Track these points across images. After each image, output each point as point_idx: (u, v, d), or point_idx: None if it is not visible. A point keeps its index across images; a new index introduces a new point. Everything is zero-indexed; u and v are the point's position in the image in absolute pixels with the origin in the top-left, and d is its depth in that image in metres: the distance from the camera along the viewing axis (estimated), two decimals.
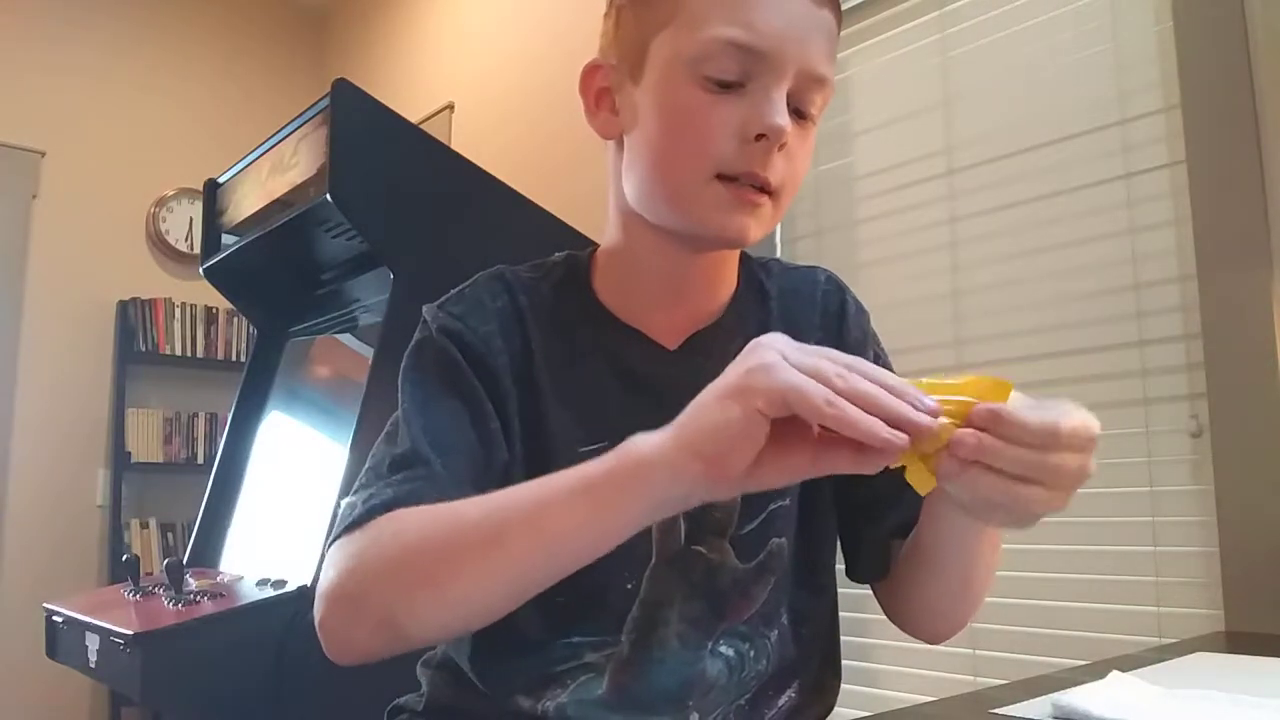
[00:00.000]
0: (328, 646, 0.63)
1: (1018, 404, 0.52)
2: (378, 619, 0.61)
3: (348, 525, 0.65)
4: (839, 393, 0.49)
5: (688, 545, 0.74)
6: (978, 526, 0.68)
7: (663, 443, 0.54)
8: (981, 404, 0.52)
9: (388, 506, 0.64)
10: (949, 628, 0.80)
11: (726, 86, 0.69)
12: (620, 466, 0.55)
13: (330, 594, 0.63)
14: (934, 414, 0.51)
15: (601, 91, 0.77)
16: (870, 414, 0.49)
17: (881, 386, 0.51)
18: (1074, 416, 0.52)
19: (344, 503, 0.67)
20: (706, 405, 0.53)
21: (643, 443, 0.55)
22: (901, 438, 0.50)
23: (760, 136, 0.68)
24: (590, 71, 0.78)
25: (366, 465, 0.70)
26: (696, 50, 0.69)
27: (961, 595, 0.76)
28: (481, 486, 0.65)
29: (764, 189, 0.70)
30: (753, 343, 0.54)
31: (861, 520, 0.81)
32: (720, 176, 0.70)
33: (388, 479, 0.67)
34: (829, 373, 0.50)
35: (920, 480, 0.54)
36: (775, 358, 0.51)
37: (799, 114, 0.71)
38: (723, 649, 0.75)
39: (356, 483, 0.68)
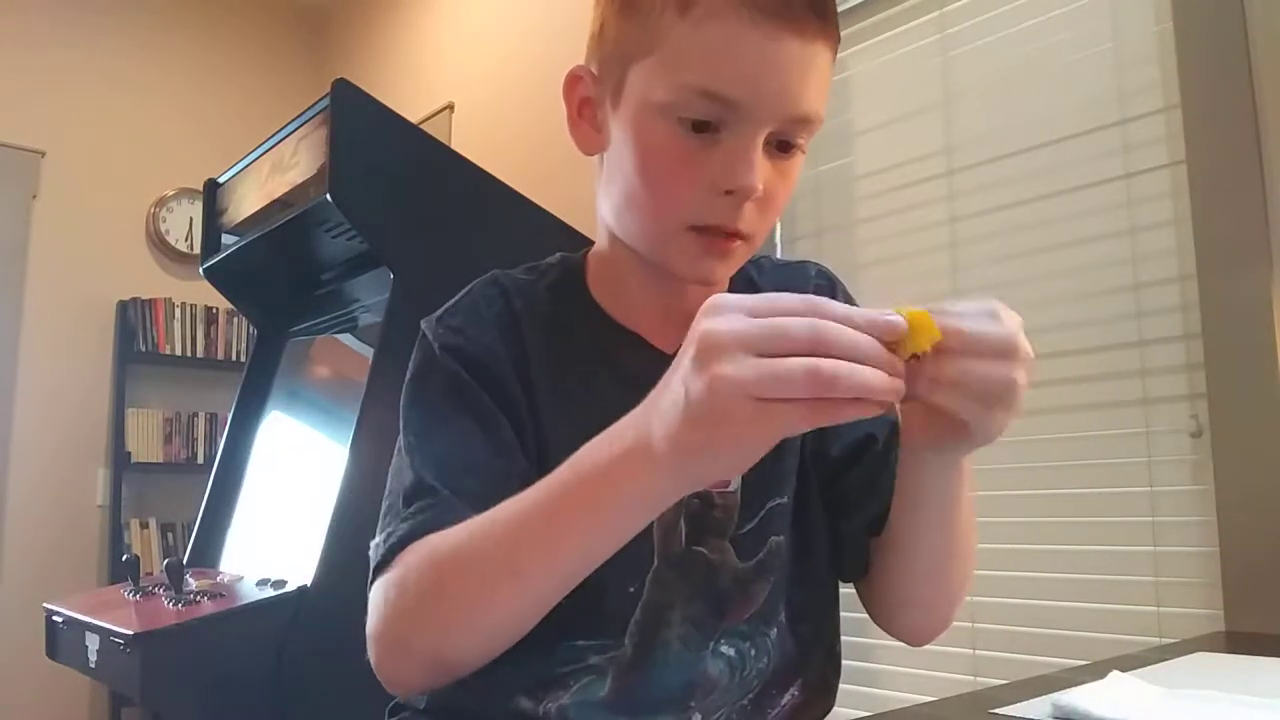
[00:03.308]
0: (387, 686, 0.68)
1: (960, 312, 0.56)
2: (424, 658, 0.65)
3: (376, 566, 0.67)
4: (813, 354, 0.47)
5: (688, 546, 0.74)
6: (951, 486, 0.68)
7: (664, 473, 0.53)
8: (946, 323, 0.54)
9: (404, 542, 0.66)
10: (931, 622, 0.79)
11: (703, 128, 0.67)
12: (626, 484, 0.55)
13: (379, 639, 0.66)
14: (896, 371, 0.50)
15: (584, 101, 0.76)
16: (856, 362, 0.48)
17: (849, 324, 0.49)
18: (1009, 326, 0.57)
19: (371, 545, 0.69)
20: (685, 435, 0.50)
21: (642, 464, 0.53)
22: (896, 389, 0.49)
23: (731, 191, 0.68)
24: (573, 81, 0.76)
25: (384, 504, 0.71)
26: (673, 96, 0.67)
27: (941, 579, 0.75)
28: (504, 498, 0.64)
29: (736, 235, 0.70)
30: (699, 333, 0.50)
31: (838, 517, 0.81)
32: (692, 228, 0.69)
33: (403, 513, 0.68)
34: (796, 335, 0.48)
35: None
36: (732, 360, 0.48)
37: (784, 146, 0.70)
38: (724, 649, 0.74)
39: (379, 524, 0.71)
